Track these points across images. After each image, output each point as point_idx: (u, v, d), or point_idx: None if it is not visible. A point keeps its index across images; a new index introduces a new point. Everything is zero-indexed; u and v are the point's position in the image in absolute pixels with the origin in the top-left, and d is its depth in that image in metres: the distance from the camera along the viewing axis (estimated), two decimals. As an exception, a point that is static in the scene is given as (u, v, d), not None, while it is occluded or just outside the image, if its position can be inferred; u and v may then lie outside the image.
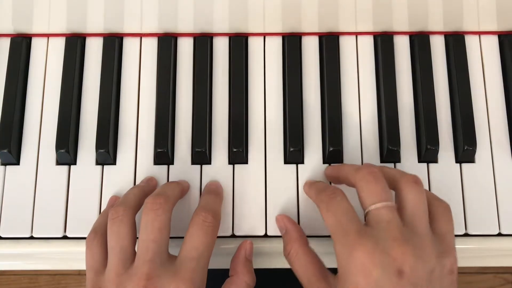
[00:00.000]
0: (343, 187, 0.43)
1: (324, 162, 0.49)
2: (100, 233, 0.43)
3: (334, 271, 0.41)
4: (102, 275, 0.41)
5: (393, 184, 0.41)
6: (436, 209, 0.41)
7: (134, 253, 0.41)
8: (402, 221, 0.39)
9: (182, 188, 0.46)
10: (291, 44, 0.51)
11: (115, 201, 0.47)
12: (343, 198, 0.40)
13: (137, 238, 0.42)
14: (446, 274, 0.38)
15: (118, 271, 0.40)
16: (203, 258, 0.40)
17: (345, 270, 0.37)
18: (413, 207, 0.39)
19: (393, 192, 0.42)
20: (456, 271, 0.39)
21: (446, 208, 0.41)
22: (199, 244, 0.40)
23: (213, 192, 0.46)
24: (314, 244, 0.45)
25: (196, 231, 0.41)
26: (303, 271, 0.42)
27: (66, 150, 0.48)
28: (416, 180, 0.40)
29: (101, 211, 0.47)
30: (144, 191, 0.45)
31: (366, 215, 0.40)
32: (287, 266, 0.46)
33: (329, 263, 0.42)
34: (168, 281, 0.38)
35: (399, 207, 0.40)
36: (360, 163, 0.48)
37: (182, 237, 0.42)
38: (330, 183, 0.48)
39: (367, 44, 0.52)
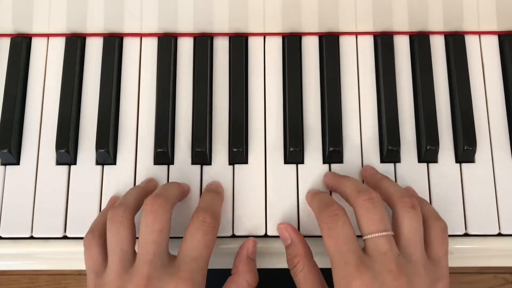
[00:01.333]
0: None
1: (324, 162, 0.49)
2: (98, 233, 0.43)
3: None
4: (102, 276, 0.41)
5: (390, 203, 0.43)
6: (432, 231, 0.42)
7: (134, 253, 0.41)
8: (398, 247, 0.40)
9: (183, 189, 0.46)
10: (291, 44, 0.51)
11: (115, 201, 0.47)
12: (345, 222, 0.40)
13: (137, 238, 0.42)
14: None
15: (118, 272, 0.40)
16: (203, 258, 0.41)
17: None
18: (409, 234, 0.41)
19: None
20: None
21: (443, 229, 0.42)
22: (198, 245, 0.40)
23: (213, 191, 0.46)
24: (313, 244, 0.45)
25: (195, 231, 0.41)
26: (305, 286, 0.42)
27: (66, 150, 0.48)
28: (413, 205, 0.41)
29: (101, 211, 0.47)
30: (144, 191, 0.45)
31: (364, 241, 0.40)
32: (287, 266, 0.45)
33: (329, 263, 0.42)
34: (168, 281, 0.39)
35: (395, 231, 0.41)
36: (360, 163, 0.48)
37: (182, 237, 0.42)
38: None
39: (367, 44, 0.52)
